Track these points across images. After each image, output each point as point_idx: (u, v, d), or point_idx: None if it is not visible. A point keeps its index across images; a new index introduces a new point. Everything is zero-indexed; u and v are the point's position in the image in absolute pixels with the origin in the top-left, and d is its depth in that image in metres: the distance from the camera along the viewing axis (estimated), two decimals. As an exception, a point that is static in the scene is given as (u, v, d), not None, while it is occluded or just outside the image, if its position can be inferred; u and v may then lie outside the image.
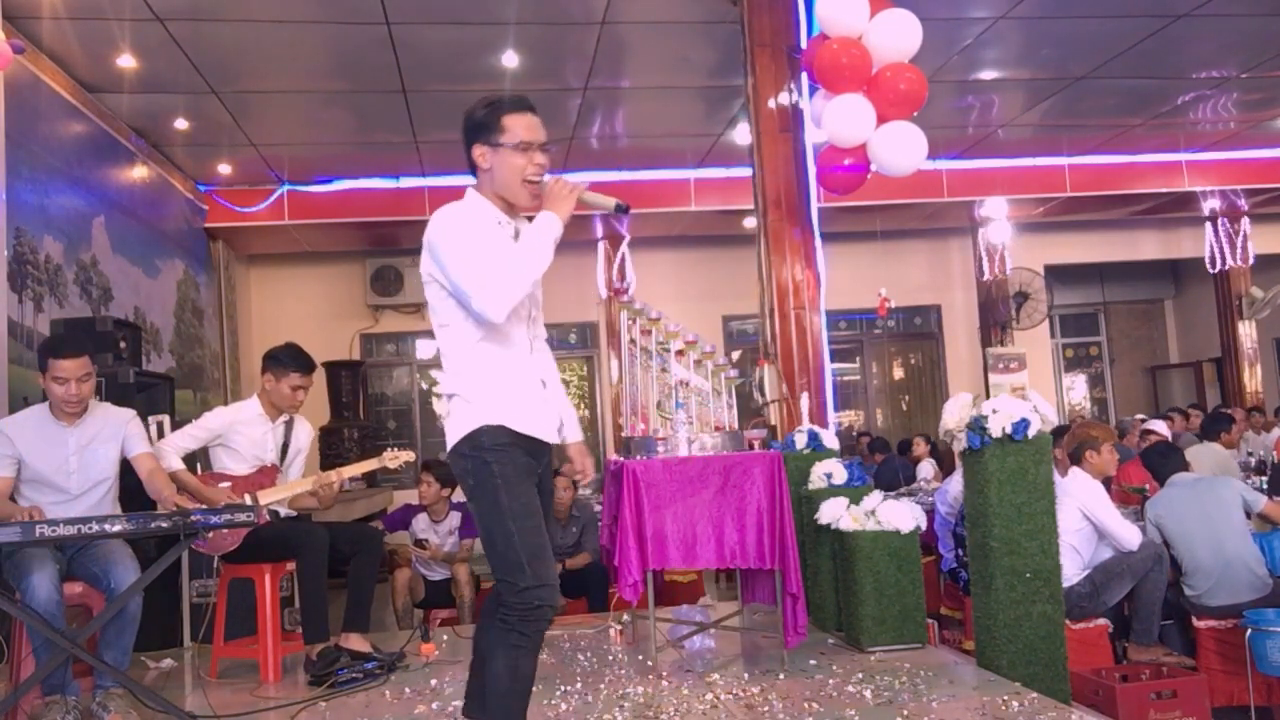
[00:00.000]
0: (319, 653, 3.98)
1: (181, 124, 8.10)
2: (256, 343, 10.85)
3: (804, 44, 5.73)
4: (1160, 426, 6.43)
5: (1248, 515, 4.74)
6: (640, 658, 4.19)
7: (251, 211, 9.87)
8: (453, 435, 2.64)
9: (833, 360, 5.98)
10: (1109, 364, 14.11)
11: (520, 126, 2.65)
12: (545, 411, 2.71)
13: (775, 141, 5.75)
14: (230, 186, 9.82)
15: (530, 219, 2.71)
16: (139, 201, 8.10)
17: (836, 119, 5.25)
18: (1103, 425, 5.36)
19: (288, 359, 4.28)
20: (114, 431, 3.83)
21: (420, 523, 6.05)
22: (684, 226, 11.05)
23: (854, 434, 11.41)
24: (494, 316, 2.53)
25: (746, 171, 6.09)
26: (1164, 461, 4.98)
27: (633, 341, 4.41)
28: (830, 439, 4.94)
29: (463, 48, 7.03)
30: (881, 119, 5.23)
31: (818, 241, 5.79)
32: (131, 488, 3.99)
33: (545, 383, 2.74)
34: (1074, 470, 4.72)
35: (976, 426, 3.62)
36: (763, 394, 5.70)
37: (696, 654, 4.35)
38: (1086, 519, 4.56)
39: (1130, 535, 4.54)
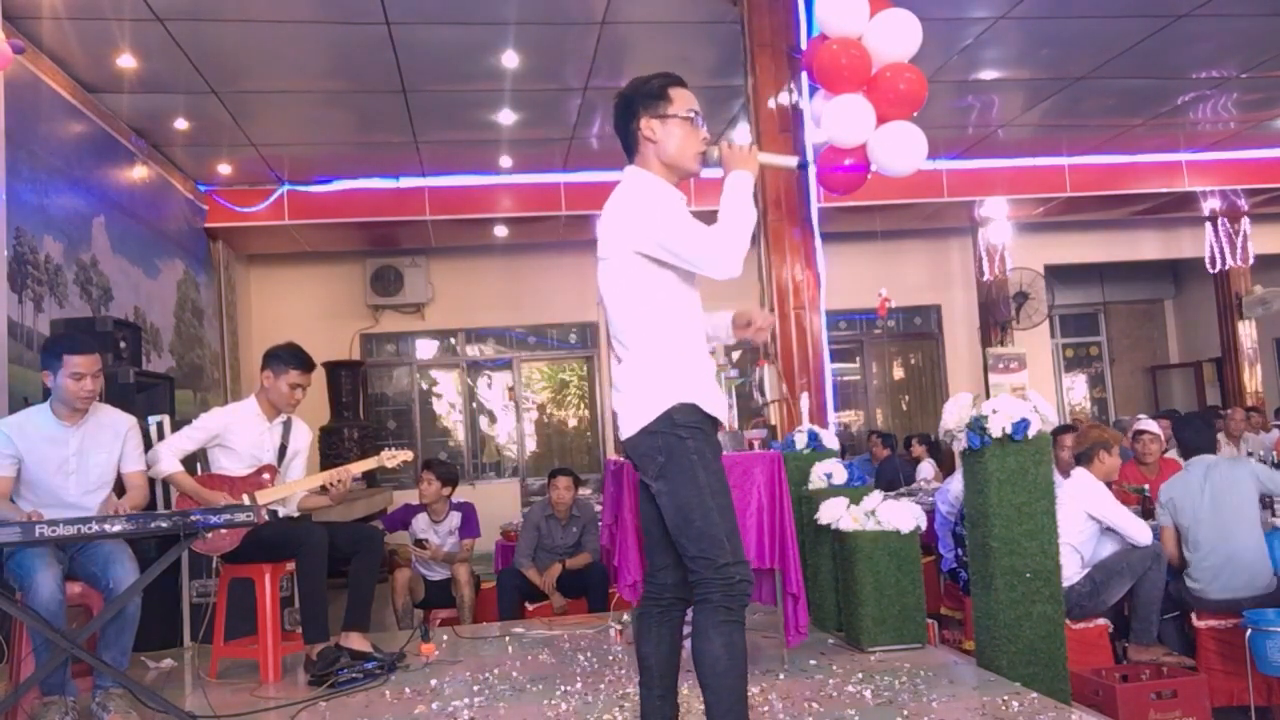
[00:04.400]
0: (319, 653, 3.98)
1: (181, 124, 8.10)
2: (256, 343, 10.84)
3: (804, 44, 5.73)
4: (1154, 425, 6.44)
5: (1264, 503, 4.70)
6: (640, 658, 4.19)
7: (251, 211, 9.87)
8: (639, 414, 2.61)
9: (833, 360, 5.98)
10: (1109, 364, 14.10)
11: (685, 98, 2.69)
12: (720, 392, 2.75)
13: (775, 141, 5.75)
14: (230, 186, 9.82)
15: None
16: (139, 201, 8.10)
17: (836, 119, 5.25)
18: (1110, 429, 5.39)
19: (288, 356, 4.29)
20: (114, 435, 3.84)
21: (420, 523, 6.06)
22: (684, 226, 11.03)
23: (859, 433, 11.42)
24: (733, 271, 2.54)
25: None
26: (1197, 435, 4.88)
27: (633, 341, 4.40)
28: (830, 439, 4.94)
29: (463, 48, 7.03)
30: (881, 119, 5.22)
31: (818, 241, 5.79)
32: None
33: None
34: (1078, 471, 4.73)
35: (976, 426, 3.62)
36: (763, 394, 5.70)
37: (696, 654, 4.34)
38: (1093, 520, 4.56)
39: (1142, 530, 4.56)
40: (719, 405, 2.69)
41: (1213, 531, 4.49)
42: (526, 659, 4.30)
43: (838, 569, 4.46)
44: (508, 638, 4.82)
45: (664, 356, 2.64)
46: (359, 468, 4.43)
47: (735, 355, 5.62)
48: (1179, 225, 12.47)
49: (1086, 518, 4.56)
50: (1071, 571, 4.44)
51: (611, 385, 2.76)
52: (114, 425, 3.86)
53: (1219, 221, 12.02)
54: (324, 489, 4.31)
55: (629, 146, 2.72)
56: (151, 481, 4.09)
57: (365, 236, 10.91)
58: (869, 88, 5.26)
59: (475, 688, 3.79)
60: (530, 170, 9.92)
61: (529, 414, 12.43)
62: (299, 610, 4.21)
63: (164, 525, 3.18)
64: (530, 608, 5.81)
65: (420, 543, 6.01)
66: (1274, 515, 5.06)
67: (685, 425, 2.57)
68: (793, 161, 2.92)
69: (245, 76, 7.32)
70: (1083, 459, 4.76)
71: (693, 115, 2.67)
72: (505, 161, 9.66)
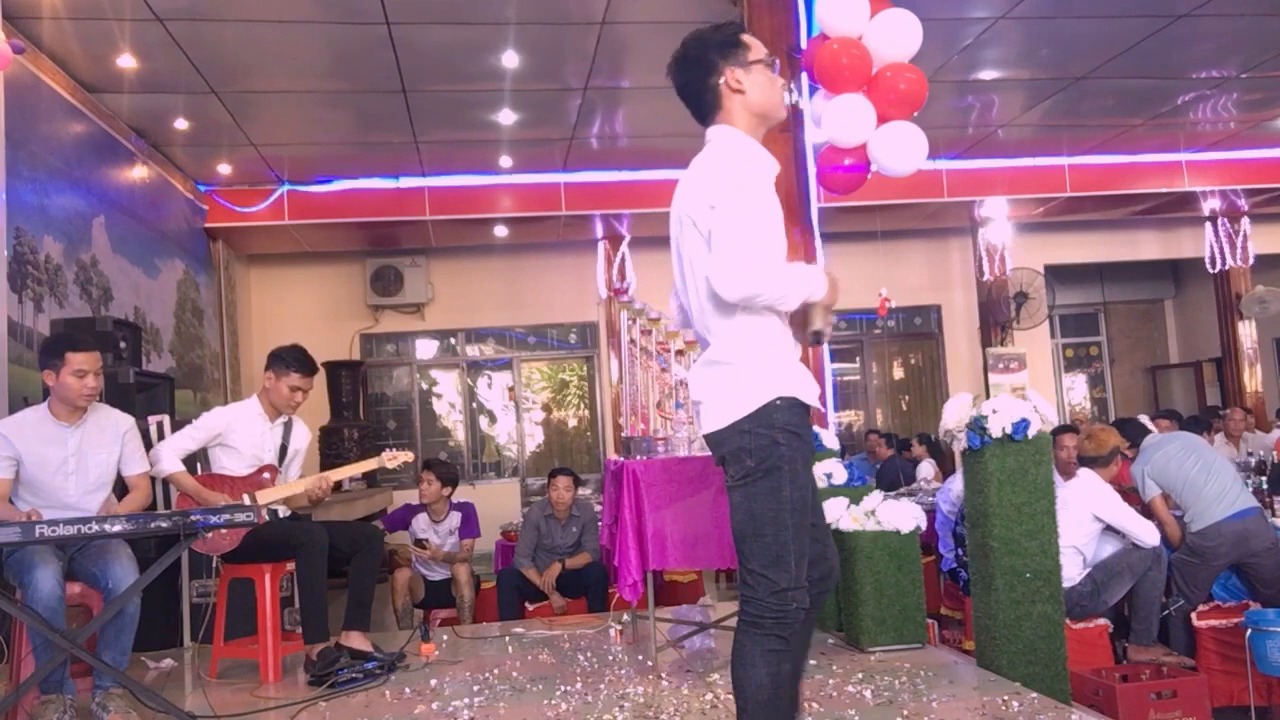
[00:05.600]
0: (319, 653, 3.99)
1: (181, 124, 8.10)
2: (256, 343, 10.85)
3: (804, 44, 5.72)
4: (1149, 426, 6.50)
5: (1264, 502, 5.24)
6: (640, 658, 4.20)
7: (251, 211, 9.87)
8: (732, 405, 2.36)
9: (833, 360, 5.98)
10: (1109, 364, 14.10)
11: (758, 43, 2.49)
12: (809, 373, 2.49)
13: (775, 141, 5.65)
14: (230, 186, 9.82)
15: None
16: (139, 201, 8.10)
17: (836, 119, 5.24)
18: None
19: (290, 359, 4.29)
20: (113, 435, 3.84)
21: (420, 523, 6.06)
22: (684, 226, 11.04)
23: (859, 432, 11.43)
24: (725, 294, 2.30)
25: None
26: (1132, 428, 5.50)
27: (633, 341, 4.42)
28: (830, 439, 4.94)
29: (463, 48, 7.03)
30: (881, 119, 5.22)
31: (818, 241, 5.79)
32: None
33: None
34: (1085, 472, 4.74)
35: (976, 426, 3.62)
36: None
37: (696, 654, 4.35)
38: (1098, 521, 4.58)
39: (1148, 530, 4.58)
40: (813, 389, 2.44)
41: (1200, 465, 4.86)
42: (526, 659, 4.30)
43: (838, 569, 4.46)
44: (508, 638, 4.82)
45: (762, 336, 2.40)
46: (344, 472, 4.44)
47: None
48: (1179, 225, 12.46)
49: (1092, 519, 4.57)
50: (1074, 572, 4.45)
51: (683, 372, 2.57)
52: (113, 426, 3.86)
53: (1219, 221, 12.03)
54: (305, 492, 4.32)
55: (707, 105, 2.50)
56: (152, 481, 4.09)
57: (365, 236, 10.91)
58: (869, 88, 5.26)
59: (475, 688, 3.79)
60: (530, 170, 9.92)
61: (529, 414, 12.43)
62: (299, 610, 4.21)
63: (164, 525, 3.18)
64: (530, 608, 5.81)
65: (420, 543, 6.01)
66: (1274, 515, 5.09)
67: (784, 427, 2.35)
68: (816, 325, 2.47)
69: (245, 76, 7.31)
70: (1098, 462, 4.79)
71: (772, 60, 2.49)
72: (505, 161, 9.66)
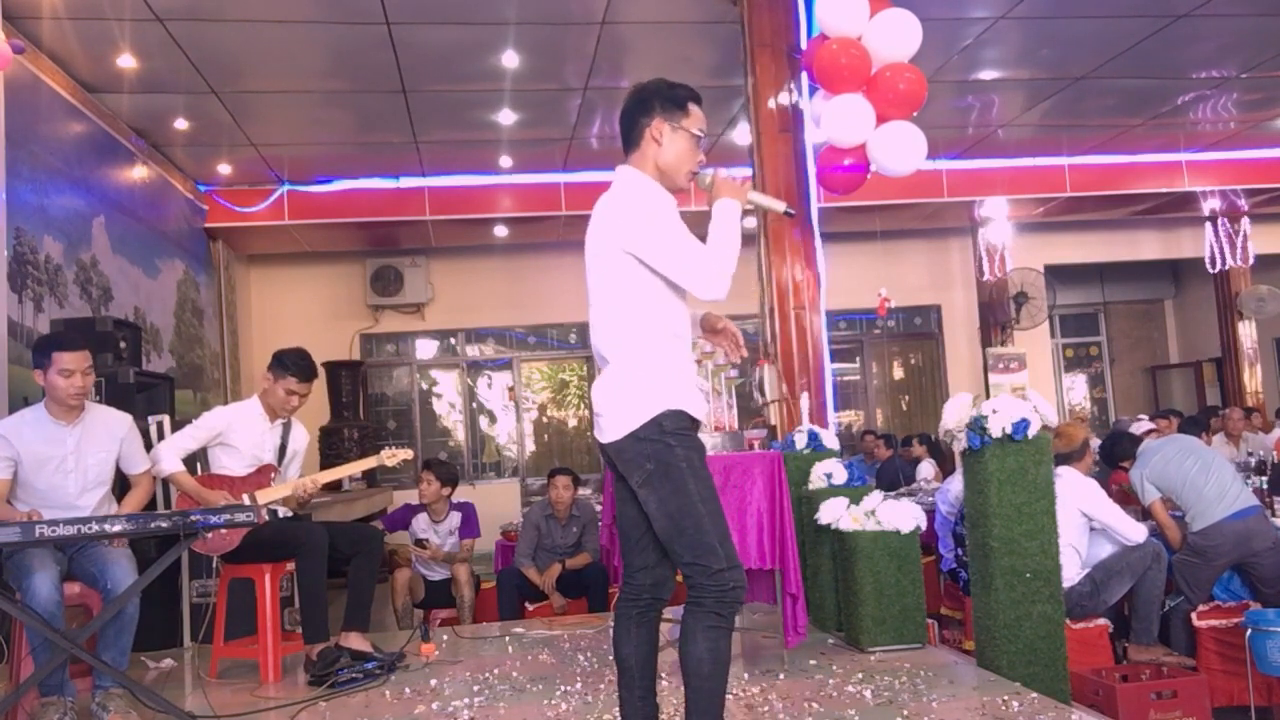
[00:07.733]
0: (319, 653, 3.99)
1: (181, 124, 8.10)
2: (256, 343, 10.85)
3: (804, 44, 5.73)
4: (1140, 427, 6.50)
5: (1264, 501, 5.23)
6: (640, 658, 4.19)
7: (251, 211, 9.87)
8: (626, 418, 2.59)
9: (833, 360, 5.98)
10: (1109, 364, 14.10)
11: (699, 118, 2.73)
12: (700, 393, 2.76)
13: (775, 141, 5.75)
14: (230, 186, 9.82)
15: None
16: (139, 201, 8.10)
17: (836, 119, 5.25)
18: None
19: (290, 363, 4.29)
20: (111, 435, 3.84)
21: (420, 523, 6.06)
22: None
23: (858, 433, 11.42)
24: (718, 294, 2.58)
25: (746, 172, 6.10)
26: (1123, 442, 5.68)
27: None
28: (830, 439, 4.94)
29: (463, 48, 7.03)
30: (881, 119, 5.22)
31: (818, 241, 5.79)
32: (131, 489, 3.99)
33: None
34: (1066, 470, 4.74)
35: (976, 426, 3.62)
36: (763, 394, 5.70)
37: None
38: (1084, 516, 4.58)
39: (1135, 528, 4.58)
40: (702, 407, 2.72)
41: (1199, 465, 4.86)
42: (526, 659, 4.30)
43: (838, 569, 4.46)
44: (508, 638, 4.83)
45: (653, 360, 2.62)
46: (350, 469, 4.44)
47: (735, 355, 5.61)
48: (1179, 225, 12.47)
49: (1079, 515, 4.57)
50: (1072, 571, 4.45)
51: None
52: (111, 425, 3.86)
53: (1219, 221, 12.03)
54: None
55: (631, 139, 2.73)
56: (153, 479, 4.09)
57: (365, 236, 10.91)
58: (869, 88, 5.26)
59: (475, 688, 3.79)
60: (530, 170, 9.92)
61: (529, 414, 12.43)
62: (299, 610, 4.21)
63: (164, 525, 3.18)
64: (530, 608, 5.81)
65: (420, 543, 6.01)
66: (1274, 515, 5.09)
67: (674, 432, 2.57)
68: (780, 206, 2.94)
69: (245, 76, 7.32)
70: (1073, 457, 4.78)
71: (700, 135, 2.72)
72: (505, 161, 9.66)
